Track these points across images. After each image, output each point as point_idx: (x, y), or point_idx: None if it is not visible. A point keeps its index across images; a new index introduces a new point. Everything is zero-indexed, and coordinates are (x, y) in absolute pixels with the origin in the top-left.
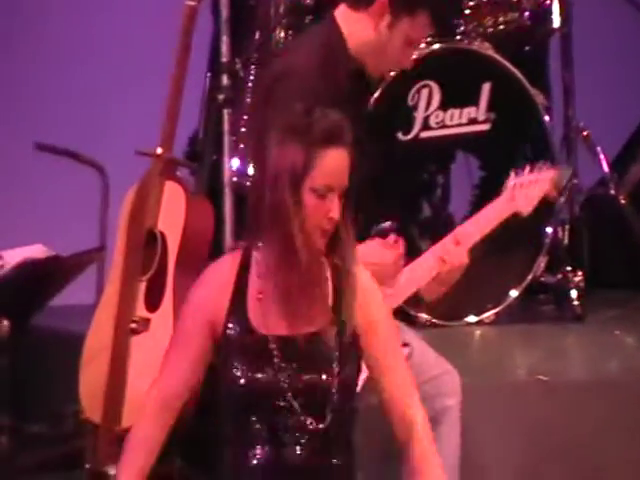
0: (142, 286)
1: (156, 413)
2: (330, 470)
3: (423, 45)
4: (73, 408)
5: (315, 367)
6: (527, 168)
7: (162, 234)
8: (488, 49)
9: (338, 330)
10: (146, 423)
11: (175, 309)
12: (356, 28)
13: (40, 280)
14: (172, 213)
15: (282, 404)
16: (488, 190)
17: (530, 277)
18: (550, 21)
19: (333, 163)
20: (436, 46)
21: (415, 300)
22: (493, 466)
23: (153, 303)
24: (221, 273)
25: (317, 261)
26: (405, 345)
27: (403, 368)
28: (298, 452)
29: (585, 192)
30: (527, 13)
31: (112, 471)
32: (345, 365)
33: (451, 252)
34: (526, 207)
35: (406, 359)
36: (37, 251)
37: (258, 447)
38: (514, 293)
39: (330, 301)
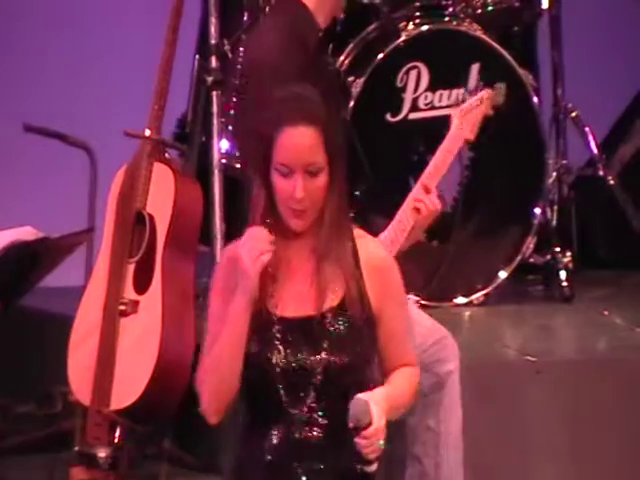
0: (131, 268)
1: None
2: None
3: (412, 26)
4: (62, 389)
5: (304, 350)
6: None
7: (151, 216)
8: (477, 30)
9: (339, 312)
10: None
11: (164, 291)
12: None
13: (29, 262)
14: (161, 195)
15: (276, 385)
16: (477, 170)
17: (519, 258)
18: (539, 2)
19: (289, 141)
20: (424, 27)
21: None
22: (484, 444)
23: (142, 285)
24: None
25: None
26: None
27: (409, 351)
28: (298, 433)
29: (574, 172)
30: None
31: (101, 453)
32: (343, 348)
33: (424, 200)
34: (470, 133)
35: None
36: (26, 233)
37: (273, 428)
38: (503, 274)
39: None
